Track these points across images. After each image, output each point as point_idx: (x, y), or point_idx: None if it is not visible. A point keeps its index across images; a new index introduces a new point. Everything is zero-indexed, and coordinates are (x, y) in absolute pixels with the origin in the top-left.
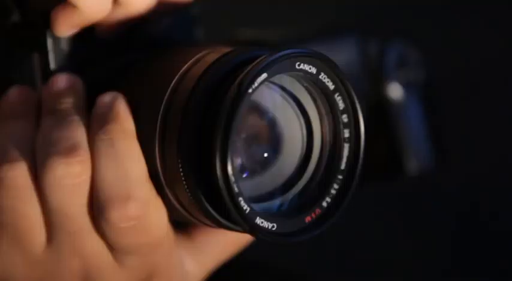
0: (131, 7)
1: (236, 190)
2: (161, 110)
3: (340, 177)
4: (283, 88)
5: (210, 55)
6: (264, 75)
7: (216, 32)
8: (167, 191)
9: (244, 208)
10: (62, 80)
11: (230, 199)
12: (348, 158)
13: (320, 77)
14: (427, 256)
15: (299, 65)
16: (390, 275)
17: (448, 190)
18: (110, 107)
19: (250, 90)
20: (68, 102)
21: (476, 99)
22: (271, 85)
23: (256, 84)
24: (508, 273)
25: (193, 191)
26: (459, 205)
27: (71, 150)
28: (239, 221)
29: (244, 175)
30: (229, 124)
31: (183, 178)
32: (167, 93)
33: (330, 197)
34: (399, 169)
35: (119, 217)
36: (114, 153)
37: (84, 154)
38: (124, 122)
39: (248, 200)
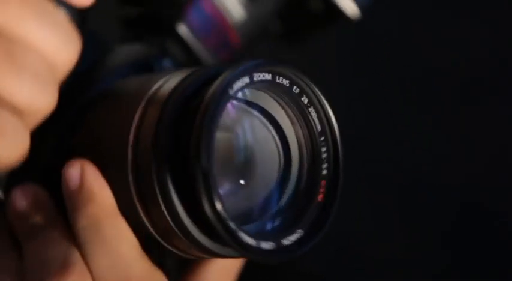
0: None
1: (232, 226)
2: (129, 166)
3: (324, 175)
4: (247, 102)
5: (165, 87)
6: (230, 96)
7: None
8: (163, 243)
9: (243, 238)
10: (21, 198)
11: (228, 234)
12: (328, 158)
13: (277, 81)
14: (424, 250)
15: (257, 77)
16: (387, 270)
17: (446, 183)
18: (81, 183)
19: (218, 118)
20: (38, 220)
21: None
22: (233, 101)
23: (223, 108)
24: (508, 270)
25: (188, 237)
26: (458, 199)
27: (63, 268)
28: (243, 252)
29: (232, 200)
30: (208, 165)
31: (174, 228)
32: (129, 145)
33: (319, 203)
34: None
35: None
36: (101, 239)
37: (77, 265)
38: (101, 199)
39: (240, 225)
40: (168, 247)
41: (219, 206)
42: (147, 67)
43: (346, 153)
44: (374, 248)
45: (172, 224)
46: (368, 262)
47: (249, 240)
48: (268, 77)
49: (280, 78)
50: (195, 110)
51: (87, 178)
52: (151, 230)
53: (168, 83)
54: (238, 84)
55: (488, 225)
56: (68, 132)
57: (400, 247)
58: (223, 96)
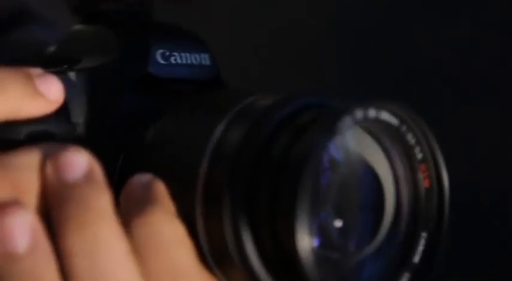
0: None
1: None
2: (199, 184)
3: (422, 242)
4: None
5: (247, 111)
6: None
7: None
8: (215, 269)
9: None
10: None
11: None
12: (430, 219)
13: (403, 130)
14: None
15: (381, 115)
16: None
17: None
18: (148, 189)
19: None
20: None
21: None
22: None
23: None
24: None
25: (248, 269)
26: (457, 199)
27: None
28: None
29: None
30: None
31: (237, 257)
32: (203, 164)
33: (414, 264)
34: None
35: None
36: (158, 241)
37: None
38: (166, 203)
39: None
40: (220, 275)
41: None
42: None
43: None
44: None
45: (233, 250)
46: None
47: None
48: (395, 121)
49: (386, 114)
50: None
51: (156, 186)
52: (206, 248)
53: (261, 101)
54: (345, 122)
55: (488, 225)
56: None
57: None
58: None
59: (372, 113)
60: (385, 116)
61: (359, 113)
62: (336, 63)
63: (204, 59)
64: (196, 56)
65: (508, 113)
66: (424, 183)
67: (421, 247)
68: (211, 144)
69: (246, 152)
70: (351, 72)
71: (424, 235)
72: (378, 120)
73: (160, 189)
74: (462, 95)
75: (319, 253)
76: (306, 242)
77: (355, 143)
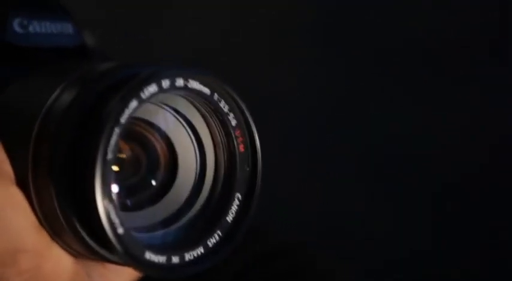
0: None
1: (116, 220)
2: (31, 143)
3: (236, 205)
4: (175, 110)
5: (86, 75)
6: (148, 95)
7: None
8: (50, 232)
9: (128, 242)
10: None
11: (112, 233)
12: (244, 182)
13: (214, 98)
14: (408, 227)
15: (191, 85)
16: (376, 249)
17: (425, 154)
18: None
19: (126, 116)
20: None
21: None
22: (165, 106)
23: (134, 107)
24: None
25: (73, 229)
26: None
27: None
28: (125, 259)
29: (129, 204)
30: (100, 150)
31: (60, 216)
32: (37, 124)
33: (227, 223)
34: None
35: (10, 272)
36: None
37: None
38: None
39: (133, 232)
40: (55, 238)
41: (103, 205)
42: None
43: (268, 158)
44: (363, 228)
45: (59, 214)
46: (358, 242)
47: (136, 250)
48: (181, 83)
49: (195, 83)
50: (102, 106)
51: None
52: (39, 214)
53: (65, 95)
54: (150, 89)
55: (469, 200)
56: None
57: (388, 225)
58: (135, 95)
59: (179, 82)
60: (195, 85)
61: (166, 82)
62: (316, 36)
63: (66, 27)
64: (58, 24)
65: (486, 85)
66: (239, 148)
67: (234, 208)
68: (46, 105)
69: (68, 117)
70: (330, 45)
71: (238, 195)
72: (188, 89)
73: None
74: (441, 69)
75: (132, 218)
76: (104, 207)
77: (182, 112)
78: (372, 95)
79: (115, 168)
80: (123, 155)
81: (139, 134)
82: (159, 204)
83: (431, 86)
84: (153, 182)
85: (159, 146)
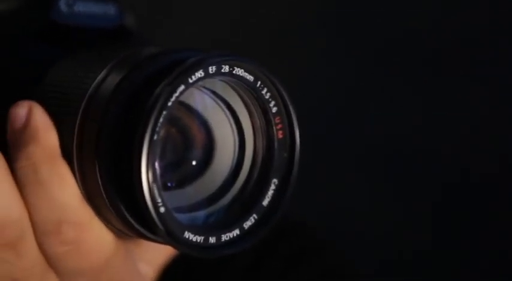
0: None
1: (159, 200)
2: (77, 122)
3: (272, 190)
4: (214, 93)
5: (131, 58)
6: (194, 79)
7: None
8: (89, 206)
9: (169, 222)
10: None
11: (154, 212)
12: (281, 168)
13: (257, 85)
14: (408, 227)
15: (236, 71)
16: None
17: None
18: (27, 122)
19: (173, 99)
20: None
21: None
22: (203, 89)
23: (180, 90)
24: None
25: (115, 206)
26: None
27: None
28: (165, 238)
29: (170, 184)
30: (148, 131)
31: (103, 193)
32: (83, 103)
33: (263, 207)
34: None
35: (54, 242)
36: (38, 179)
37: (13, 209)
38: (45, 140)
39: (173, 211)
40: (97, 214)
41: (149, 176)
42: None
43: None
44: (365, 224)
45: (102, 191)
46: (358, 239)
47: (176, 229)
48: (226, 69)
49: (240, 71)
50: (149, 93)
51: (34, 118)
52: (82, 190)
53: (112, 76)
54: (197, 75)
55: (470, 200)
56: (31, 73)
57: (390, 222)
58: (184, 80)
59: (225, 68)
60: (239, 72)
61: (212, 68)
62: (319, 28)
63: (109, 8)
64: (101, 5)
65: (488, 81)
66: (278, 134)
67: (271, 192)
68: (93, 85)
69: (116, 98)
70: (334, 38)
71: (274, 181)
72: (233, 75)
73: (39, 124)
74: (443, 64)
75: (172, 198)
76: (148, 184)
77: (221, 95)
78: (372, 94)
79: (188, 153)
80: (162, 136)
81: (177, 116)
82: (197, 184)
83: (432, 86)
84: (193, 162)
85: (196, 128)
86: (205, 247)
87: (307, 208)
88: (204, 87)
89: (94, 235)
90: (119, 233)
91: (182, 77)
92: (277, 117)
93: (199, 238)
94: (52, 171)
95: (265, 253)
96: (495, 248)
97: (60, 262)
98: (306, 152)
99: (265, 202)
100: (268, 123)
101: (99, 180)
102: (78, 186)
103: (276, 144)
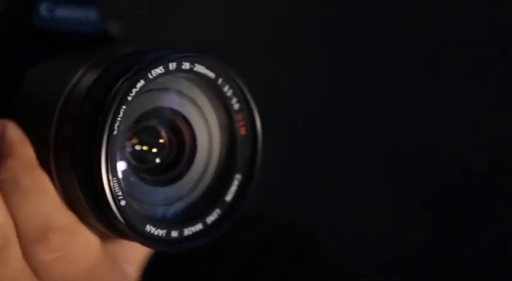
0: None
1: (119, 193)
2: (53, 122)
3: (235, 185)
4: (180, 92)
5: (107, 58)
6: (154, 75)
7: None
8: (71, 211)
9: (129, 214)
10: None
11: (114, 204)
12: (245, 164)
13: (219, 82)
14: (408, 227)
15: (196, 68)
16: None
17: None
18: (2, 139)
19: (133, 94)
20: None
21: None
22: (169, 91)
23: (141, 86)
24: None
25: (93, 208)
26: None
27: None
28: (126, 231)
29: (132, 179)
30: (107, 125)
31: (81, 195)
32: (57, 109)
33: (226, 202)
34: None
35: (42, 249)
36: (20, 190)
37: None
38: (21, 153)
39: (135, 203)
40: (81, 219)
41: (108, 177)
42: None
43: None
44: (365, 224)
45: (80, 194)
46: (358, 239)
47: (137, 222)
48: (187, 66)
49: (201, 68)
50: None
51: (8, 134)
52: (62, 196)
53: (87, 77)
54: (157, 71)
55: (470, 200)
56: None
57: (390, 222)
58: (142, 75)
59: (185, 65)
60: (200, 68)
61: (172, 64)
62: (317, 28)
63: (91, 13)
64: (83, 10)
65: (488, 83)
66: (240, 131)
67: (234, 187)
68: (68, 86)
69: (88, 99)
70: (333, 38)
71: (238, 176)
72: (193, 72)
73: (13, 139)
74: (443, 64)
75: (135, 192)
76: (108, 180)
77: (186, 93)
78: (372, 94)
79: (154, 150)
80: (162, 140)
81: (173, 121)
82: (159, 179)
83: (432, 86)
84: (157, 160)
85: (160, 128)
86: (167, 240)
87: (307, 208)
88: (179, 91)
89: (81, 239)
90: (103, 236)
91: (142, 72)
92: (240, 114)
93: (161, 232)
94: (32, 181)
95: (264, 253)
96: (495, 248)
97: (47, 270)
98: (306, 152)
99: (228, 197)
100: (230, 120)
101: (77, 184)
102: (58, 193)
103: (238, 140)
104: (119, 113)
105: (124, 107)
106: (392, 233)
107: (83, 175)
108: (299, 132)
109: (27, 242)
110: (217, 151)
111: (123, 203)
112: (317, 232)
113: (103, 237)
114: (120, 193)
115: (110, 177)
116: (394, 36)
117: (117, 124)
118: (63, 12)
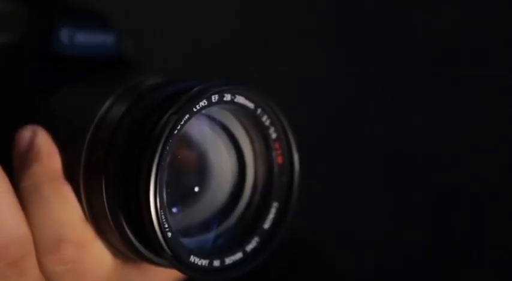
0: None
1: (166, 225)
2: (85, 146)
3: (273, 213)
4: (213, 119)
5: (135, 88)
6: (198, 108)
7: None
8: (97, 232)
9: (175, 246)
10: None
11: (162, 237)
12: (282, 192)
13: (257, 112)
14: (408, 228)
15: (237, 99)
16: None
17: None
18: (30, 145)
19: (178, 127)
20: None
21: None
22: (199, 116)
23: (185, 119)
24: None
25: (120, 229)
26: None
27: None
28: (172, 262)
29: (174, 210)
30: (156, 157)
31: (110, 218)
32: (91, 129)
33: (264, 230)
34: None
35: (52, 260)
36: (40, 198)
37: (20, 228)
38: (47, 162)
39: (179, 235)
40: (99, 235)
41: (155, 209)
42: None
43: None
44: (363, 229)
45: (108, 212)
46: (358, 240)
47: (182, 253)
48: (228, 98)
49: (241, 99)
50: (156, 119)
51: (37, 140)
52: (86, 210)
53: (118, 105)
54: (201, 104)
55: (470, 200)
56: (40, 101)
57: (388, 226)
58: (191, 109)
59: (227, 97)
60: (241, 99)
61: (214, 97)
62: (318, 34)
63: (108, 37)
64: (101, 35)
65: (489, 90)
66: (277, 160)
67: (271, 215)
68: (99, 113)
69: (123, 125)
70: (333, 43)
71: (275, 204)
72: (234, 104)
73: (42, 146)
74: (443, 70)
75: (177, 223)
76: (156, 213)
77: (221, 121)
78: (372, 95)
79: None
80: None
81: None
82: (199, 208)
83: (431, 86)
84: (195, 188)
85: (193, 155)
86: (209, 270)
87: (306, 209)
88: (210, 117)
89: (93, 256)
90: (118, 254)
91: (188, 105)
92: (277, 143)
93: (204, 262)
94: (54, 191)
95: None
96: (495, 248)
97: (57, 280)
98: (306, 152)
99: (266, 225)
100: (268, 149)
101: (105, 201)
102: (82, 205)
103: (275, 169)
104: (167, 146)
105: (171, 140)
106: (392, 234)
107: (117, 197)
108: (299, 132)
109: (42, 251)
110: (251, 179)
111: (169, 235)
112: (316, 234)
113: (118, 254)
114: (167, 225)
115: (159, 209)
116: (394, 36)
117: (164, 156)
118: (82, 38)
